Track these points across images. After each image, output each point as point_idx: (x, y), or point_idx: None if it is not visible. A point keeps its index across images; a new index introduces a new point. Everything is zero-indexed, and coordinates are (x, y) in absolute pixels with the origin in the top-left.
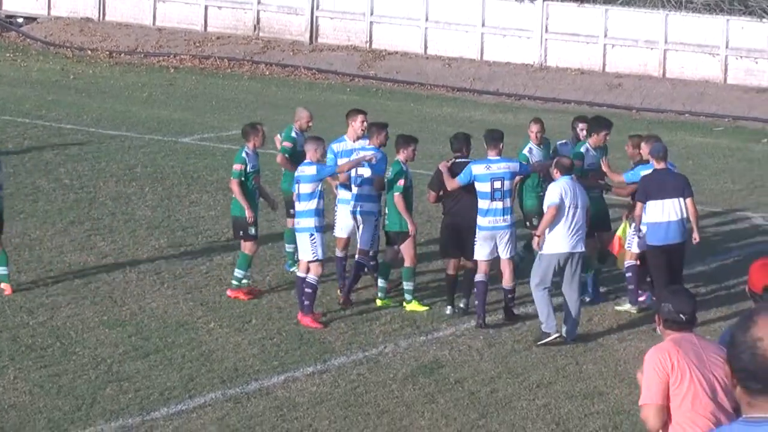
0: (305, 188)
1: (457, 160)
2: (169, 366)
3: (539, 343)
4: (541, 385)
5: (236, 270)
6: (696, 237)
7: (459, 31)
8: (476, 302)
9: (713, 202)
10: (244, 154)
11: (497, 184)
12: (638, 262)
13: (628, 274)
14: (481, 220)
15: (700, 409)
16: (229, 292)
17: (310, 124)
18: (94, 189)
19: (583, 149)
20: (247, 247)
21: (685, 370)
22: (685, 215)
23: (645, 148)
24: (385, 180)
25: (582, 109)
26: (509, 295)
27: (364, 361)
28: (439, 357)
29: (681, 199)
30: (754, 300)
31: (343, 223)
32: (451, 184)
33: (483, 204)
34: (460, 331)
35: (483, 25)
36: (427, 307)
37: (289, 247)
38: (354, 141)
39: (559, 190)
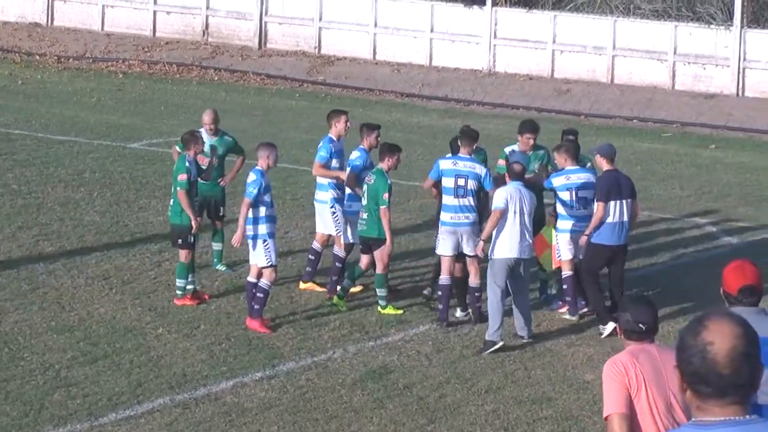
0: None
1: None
2: (118, 371)
3: (485, 352)
4: (489, 390)
5: (177, 280)
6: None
7: (408, 36)
8: (439, 305)
9: (662, 208)
10: (186, 163)
11: (461, 182)
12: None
13: (565, 286)
14: (443, 216)
15: (649, 428)
16: (176, 301)
17: (211, 126)
18: (43, 194)
19: (507, 150)
20: (183, 255)
21: (641, 385)
22: (629, 217)
23: (557, 157)
24: (365, 185)
25: (530, 115)
26: (476, 294)
27: (313, 367)
28: (387, 362)
29: (630, 200)
30: (729, 302)
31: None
32: (427, 183)
33: (446, 200)
34: (408, 336)
35: (432, 30)
36: (401, 311)
37: (216, 246)
38: (338, 140)
39: (505, 195)
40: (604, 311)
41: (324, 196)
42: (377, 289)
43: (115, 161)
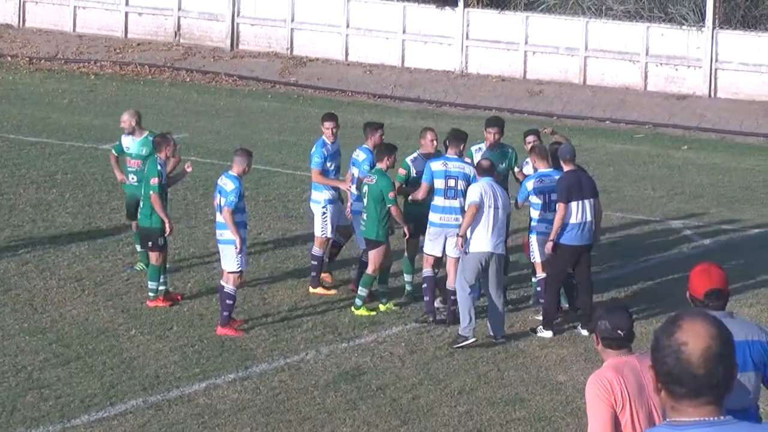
0: (223, 202)
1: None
2: (90, 373)
3: (456, 346)
4: (462, 391)
5: (149, 282)
6: (597, 238)
7: (380, 37)
8: (425, 297)
9: (634, 209)
10: (158, 167)
11: (451, 182)
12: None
13: (539, 288)
14: (432, 216)
15: None
16: (148, 303)
17: (133, 124)
18: (14, 196)
19: (474, 149)
20: (154, 257)
21: (626, 401)
22: (592, 217)
23: (533, 158)
24: (365, 185)
25: (503, 116)
26: (453, 297)
27: (286, 368)
28: (360, 364)
29: (593, 200)
30: (695, 305)
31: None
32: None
33: (437, 201)
34: (381, 337)
35: (404, 31)
36: (374, 313)
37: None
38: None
39: (479, 189)
40: (552, 317)
41: (319, 196)
42: (360, 288)
43: (87, 163)
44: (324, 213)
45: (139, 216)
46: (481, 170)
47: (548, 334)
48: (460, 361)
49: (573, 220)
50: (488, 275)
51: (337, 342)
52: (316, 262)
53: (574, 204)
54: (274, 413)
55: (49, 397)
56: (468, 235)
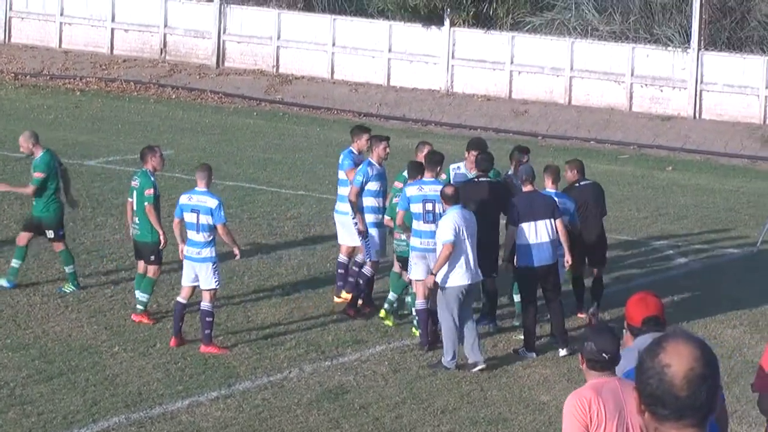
0: (205, 219)
1: (481, 179)
2: (73, 390)
3: (432, 369)
4: (445, 411)
5: (141, 294)
6: (567, 259)
7: (366, 56)
8: (419, 329)
9: (618, 230)
10: (152, 178)
11: (429, 206)
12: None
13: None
14: (413, 241)
15: None
16: (133, 317)
17: (30, 146)
18: None
19: (452, 167)
20: (152, 270)
21: (601, 421)
22: (555, 237)
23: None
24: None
25: (488, 135)
26: (435, 317)
27: (269, 386)
28: (344, 382)
29: (551, 221)
30: (633, 333)
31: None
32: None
33: (416, 225)
34: (365, 356)
35: (390, 50)
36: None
37: (69, 269)
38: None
39: (452, 224)
40: (531, 338)
41: (345, 207)
42: (390, 293)
43: (71, 179)
44: (357, 224)
45: (138, 231)
46: (448, 198)
47: (531, 355)
48: (443, 381)
49: (530, 241)
50: (461, 305)
51: (320, 360)
52: (342, 271)
53: (525, 225)
54: (257, 431)
55: (31, 413)
56: (445, 270)
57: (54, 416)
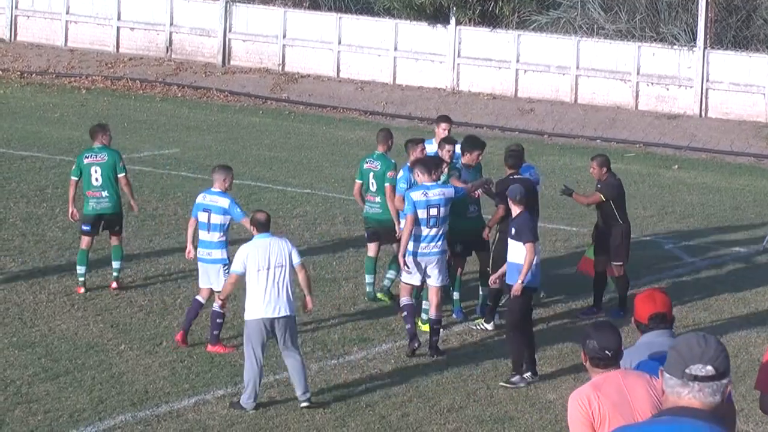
0: (217, 219)
1: (515, 177)
2: (79, 388)
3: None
4: (452, 409)
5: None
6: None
7: (372, 54)
8: (407, 325)
9: None
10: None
11: (433, 212)
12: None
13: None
14: (413, 245)
15: None
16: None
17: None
18: (5, 209)
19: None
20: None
21: (604, 417)
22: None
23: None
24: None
25: (494, 133)
26: (435, 326)
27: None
28: (350, 381)
29: (534, 244)
30: (640, 330)
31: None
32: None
33: (417, 230)
34: (371, 354)
35: (396, 48)
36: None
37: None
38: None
39: (242, 256)
40: (519, 363)
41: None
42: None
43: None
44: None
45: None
46: (259, 225)
47: (516, 378)
48: (449, 379)
49: (519, 260)
50: (277, 340)
51: (326, 359)
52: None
53: (516, 244)
54: (263, 429)
55: (37, 411)
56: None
57: (60, 414)
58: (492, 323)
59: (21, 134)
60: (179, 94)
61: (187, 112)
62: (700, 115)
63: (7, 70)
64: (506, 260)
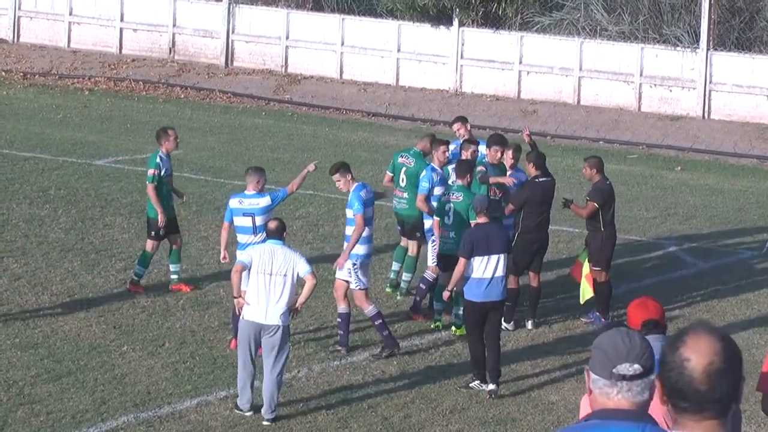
0: (261, 220)
1: (542, 179)
2: (82, 389)
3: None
4: (454, 410)
5: (137, 267)
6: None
7: (375, 56)
8: (339, 331)
9: (627, 230)
10: (158, 159)
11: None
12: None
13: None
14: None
15: None
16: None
17: None
18: (8, 211)
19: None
20: (149, 245)
21: None
22: (504, 272)
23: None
24: (452, 203)
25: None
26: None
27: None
28: (352, 382)
29: (504, 255)
30: None
31: None
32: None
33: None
34: (373, 355)
35: (399, 50)
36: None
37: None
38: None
39: (251, 251)
40: (480, 370)
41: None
42: (454, 308)
43: (80, 178)
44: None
45: (147, 207)
46: (270, 232)
47: (475, 382)
48: (452, 380)
49: (477, 275)
50: (263, 346)
51: (329, 360)
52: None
53: (477, 259)
54: (265, 431)
55: (40, 412)
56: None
57: (62, 415)
58: (512, 322)
59: (24, 135)
60: (182, 96)
61: (190, 114)
62: (703, 116)
63: (10, 71)
64: (523, 260)
